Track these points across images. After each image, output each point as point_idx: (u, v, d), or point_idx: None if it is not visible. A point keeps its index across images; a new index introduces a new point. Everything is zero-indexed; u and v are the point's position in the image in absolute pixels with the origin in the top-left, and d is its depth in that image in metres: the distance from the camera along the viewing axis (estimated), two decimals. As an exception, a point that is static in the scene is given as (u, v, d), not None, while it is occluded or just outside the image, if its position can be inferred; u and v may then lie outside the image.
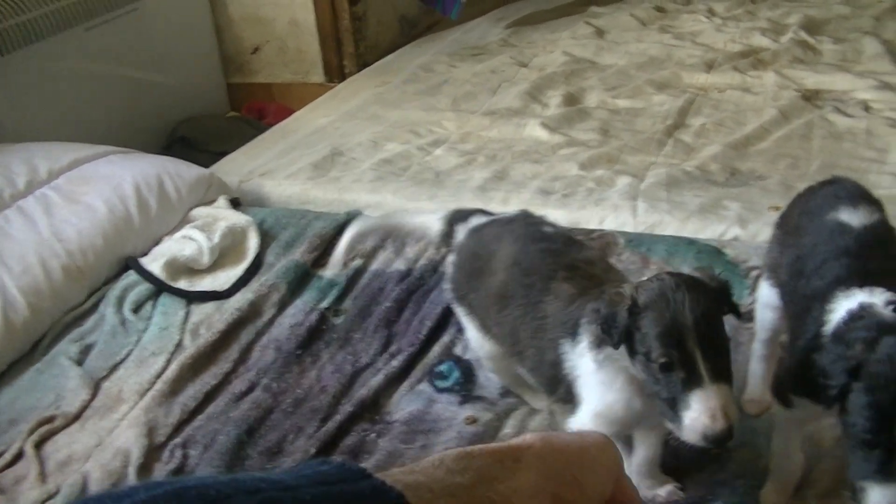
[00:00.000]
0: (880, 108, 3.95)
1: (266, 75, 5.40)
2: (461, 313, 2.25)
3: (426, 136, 3.99)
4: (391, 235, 2.58)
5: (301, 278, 2.88)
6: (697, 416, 1.62)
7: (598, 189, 3.32)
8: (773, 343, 2.19)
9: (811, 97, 4.12)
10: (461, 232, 2.23)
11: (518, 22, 5.60)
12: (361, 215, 3.22)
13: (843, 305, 1.69)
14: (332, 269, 2.94)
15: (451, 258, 2.24)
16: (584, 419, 1.84)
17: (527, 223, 2.14)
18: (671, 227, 3.07)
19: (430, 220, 2.34)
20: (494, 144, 3.85)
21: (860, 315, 1.64)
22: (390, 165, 3.69)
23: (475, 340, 2.24)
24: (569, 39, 5.16)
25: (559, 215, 3.13)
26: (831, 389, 1.56)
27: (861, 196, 1.99)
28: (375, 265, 2.95)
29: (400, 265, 2.93)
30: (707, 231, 3.03)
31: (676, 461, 2.06)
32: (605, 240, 2.93)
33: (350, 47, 5.22)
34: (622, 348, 1.72)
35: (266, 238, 3.14)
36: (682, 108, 4.07)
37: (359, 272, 2.92)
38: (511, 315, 1.97)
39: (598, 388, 1.81)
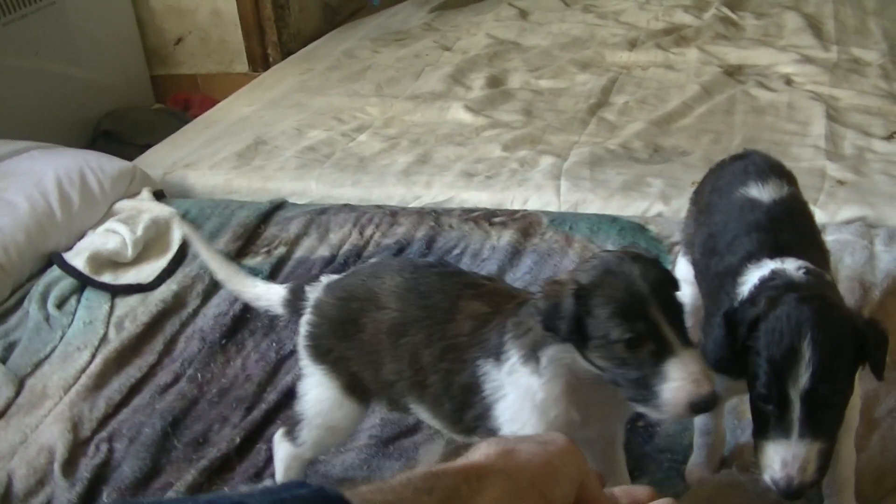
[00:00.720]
0: (802, 81, 4.02)
1: (190, 66, 5.36)
2: (318, 374, 1.93)
3: (350, 122, 3.99)
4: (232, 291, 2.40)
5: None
6: (681, 384, 1.51)
7: (521, 170, 3.33)
8: (692, 318, 2.20)
9: (733, 72, 4.18)
10: (312, 293, 1.95)
11: (442, 6, 5.60)
12: (285, 203, 3.22)
13: (755, 275, 1.71)
14: (258, 255, 2.94)
15: (305, 319, 1.93)
16: None
17: (403, 259, 2.08)
18: (594, 205, 3.10)
19: (274, 289, 2.07)
20: (418, 128, 3.86)
21: (771, 278, 1.67)
22: (314, 153, 3.69)
23: (328, 403, 1.92)
24: (492, 21, 5.18)
25: (483, 197, 3.16)
26: (736, 346, 1.59)
27: (771, 170, 2.01)
28: (299, 252, 2.95)
29: (324, 251, 2.93)
30: (630, 208, 3.07)
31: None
32: (528, 220, 2.95)
33: (273, 36, 5.19)
34: (566, 346, 1.61)
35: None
36: (605, 86, 4.11)
37: (283, 260, 2.92)
38: (411, 341, 1.77)
39: (537, 407, 1.66)
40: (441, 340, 1.75)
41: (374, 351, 1.83)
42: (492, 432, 1.70)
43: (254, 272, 2.81)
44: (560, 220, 2.93)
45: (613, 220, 2.90)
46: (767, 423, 1.55)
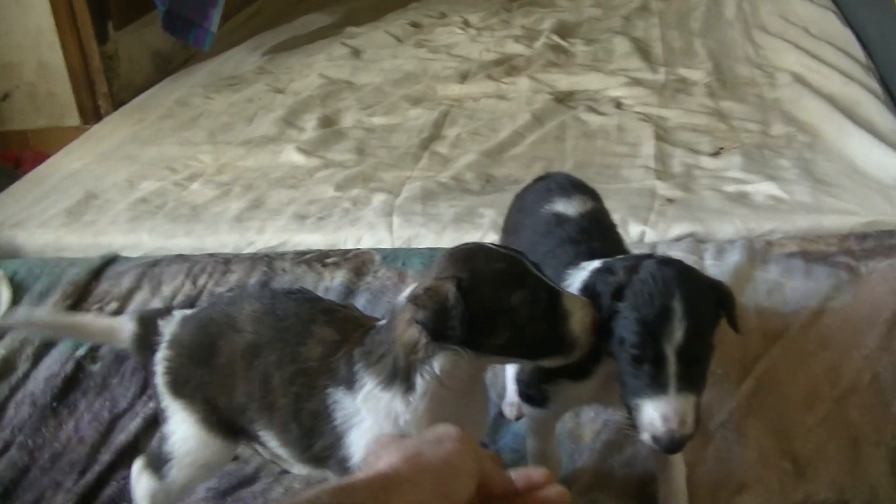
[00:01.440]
0: (631, 103, 4.14)
1: (19, 122, 5.23)
2: (176, 410, 1.88)
3: (182, 171, 3.96)
4: (71, 335, 2.35)
5: (52, 329, 2.82)
6: (584, 306, 1.64)
7: (353, 209, 3.35)
8: None
9: (564, 98, 4.28)
10: (167, 327, 1.91)
11: (274, 48, 5.60)
12: (117, 258, 3.18)
13: (579, 275, 1.75)
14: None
15: (162, 355, 1.88)
16: None
17: (263, 288, 2.08)
18: (427, 239, 3.14)
19: (120, 320, 2.02)
20: (251, 173, 3.85)
21: (606, 267, 1.71)
22: (146, 204, 3.64)
23: (195, 441, 1.87)
24: (325, 62, 5.20)
25: (315, 239, 3.17)
26: (602, 314, 1.62)
27: (574, 187, 2.09)
28: (132, 307, 2.90)
29: (157, 304, 2.90)
30: (464, 240, 3.06)
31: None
32: (361, 258, 2.97)
33: (103, 87, 5.12)
34: (455, 352, 1.59)
35: (19, 290, 3.05)
36: (436, 120, 4.16)
37: (115, 315, 2.87)
38: (263, 362, 1.76)
39: (402, 429, 1.63)
40: (292, 363, 1.73)
41: (229, 374, 1.80)
42: (343, 462, 1.69)
43: (85, 331, 2.78)
44: (393, 257, 2.95)
45: (446, 253, 2.93)
46: (642, 384, 1.59)
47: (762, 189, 3.16)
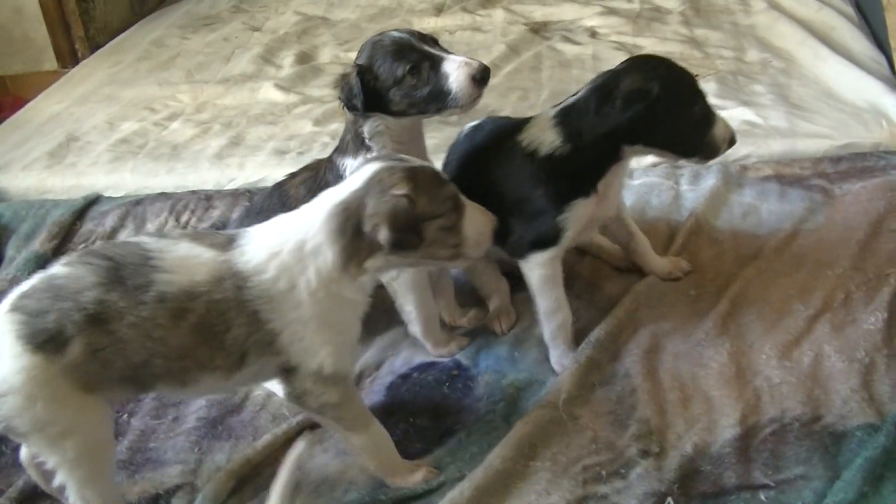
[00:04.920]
0: (606, 32, 4.15)
1: (-4, 68, 5.23)
2: None
3: (161, 111, 3.98)
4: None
5: (42, 268, 2.80)
6: (459, 67, 2.05)
7: (332, 143, 3.30)
8: None
9: (539, 29, 4.28)
10: None
11: (249, -13, 5.57)
12: (100, 198, 3.20)
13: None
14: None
15: None
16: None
17: None
18: (407, 170, 3.14)
19: None
20: (230, 111, 3.87)
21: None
22: (127, 145, 3.67)
23: None
24: (300, -1, 5.19)
25: (296, 173, 3.18)
26: None
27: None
28: (117, 245, 2.94)
29: (143, 241, 2.93)
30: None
31: (415, 400, 2.20)
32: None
33: (80, 30, 5.10)
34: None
35: (5, 232, 3.09)
36: (413, 54, 4.15)
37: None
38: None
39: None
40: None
41: None
42: None
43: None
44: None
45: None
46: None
47: (737, 115, 3.19)
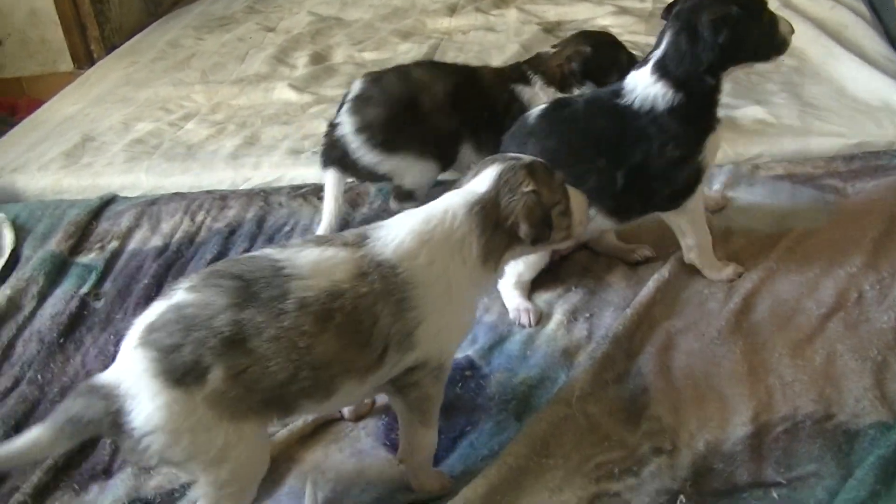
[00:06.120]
0: (619, 32, 4.09)
1: (13, 69, 5.25)
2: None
3: (176, 111, 3.99)
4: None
5: (59, 267, 2.87)
6: None
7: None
8: None
9: (552, 29, 4.28)
10: None
11: (263, -13, 5.59)
12: (116, 198, 3.22)
13: None
14: (91, 252, 2.95)
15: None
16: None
17: None
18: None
19: None
20: (244, 112, 3.89)
21: None
22: (142, 145, 3.68)
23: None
24: (314, -1, 5.21)
25: (309, 173, 3.20)
26: None
27: None
28: (132, 245, 2.97)
29: (157, 241, 2.96)
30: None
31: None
32: (356, 191, 3.03)
33: (95, 31, 5.13)
34: None
35: (21, 233, 3.11)
36: (427, 53, 4.19)
37: (116, 254, 2.93)
38: None
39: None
40: None
41: None
42: None
43: (88, 268, 2.83)
44: (387, 189, 2.98)
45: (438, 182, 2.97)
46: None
47: (749, 113, 3.20)
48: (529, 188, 1.85)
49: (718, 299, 2.37)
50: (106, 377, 1.71)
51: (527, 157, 1.94)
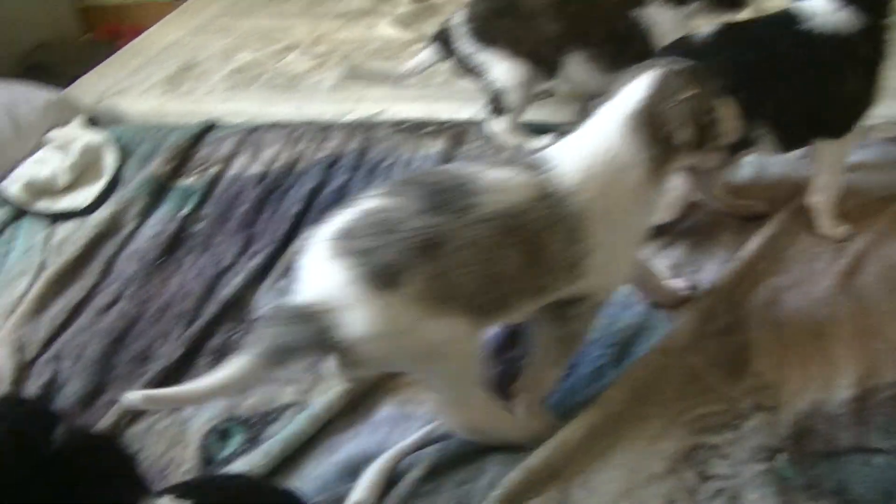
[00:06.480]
0: None
1: (115, -3, 5.28)
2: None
3: (277, 42, 3.99)
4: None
5: (159, 190, 2.90)
6: None
7: (450, 80, 3.35)
8: None
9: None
10: None
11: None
12: (215, 125, 3.23)
13: None
14: (191, 176, 2.98)
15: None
16: None
17: None
18: (528, 113, 3.11)
19: None
20: (346, 46, 3.87)
21: None
22: (243, 74, 3.70)
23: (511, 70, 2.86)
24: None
25: (414, 109, 3.18)
26: None
27: None
28: (232, 171, 2.98)
29: (257, 169, 2.96)
30: (555, 111, 3.14)
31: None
32: (458, 129, 3.01)
33: (198, -39, 5.12)
34: None
35: (123, 154, 3.14)
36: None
37: (216, 179, 2.94)
38: None
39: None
40: None
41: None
42: None
43: (188, 192, 2.85)
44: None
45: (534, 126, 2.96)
46: None
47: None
48: (692, 92, 1.81)
49: (825, 259, 2.30)
50: (306, 298, 1.68)
51: (683, 62, 1.89)
